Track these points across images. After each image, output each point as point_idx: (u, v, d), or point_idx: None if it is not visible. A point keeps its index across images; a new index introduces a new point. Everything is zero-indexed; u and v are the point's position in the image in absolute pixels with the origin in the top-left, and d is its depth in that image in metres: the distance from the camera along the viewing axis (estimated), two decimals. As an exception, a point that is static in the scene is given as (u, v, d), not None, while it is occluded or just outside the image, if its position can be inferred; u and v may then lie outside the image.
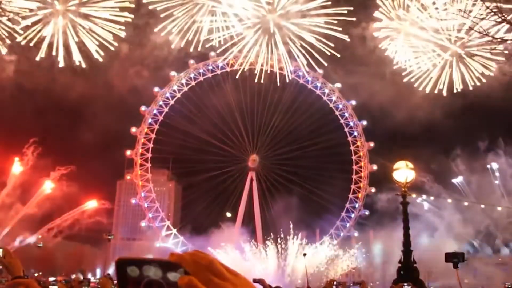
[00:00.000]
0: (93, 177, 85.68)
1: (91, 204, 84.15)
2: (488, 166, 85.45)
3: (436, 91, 73.68)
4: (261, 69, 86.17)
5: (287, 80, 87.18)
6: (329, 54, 77.71)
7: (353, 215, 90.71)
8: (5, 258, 7.85)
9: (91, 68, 73.87)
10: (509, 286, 70.65)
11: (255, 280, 14.71)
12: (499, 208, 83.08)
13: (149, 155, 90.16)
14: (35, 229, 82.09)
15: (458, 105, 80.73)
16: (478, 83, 70.67)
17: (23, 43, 66.36)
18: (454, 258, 27.92)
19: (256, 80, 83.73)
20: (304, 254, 66.68)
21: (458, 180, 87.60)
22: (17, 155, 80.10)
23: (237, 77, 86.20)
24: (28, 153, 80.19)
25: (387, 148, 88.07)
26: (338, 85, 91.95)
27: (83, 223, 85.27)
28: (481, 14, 34.23)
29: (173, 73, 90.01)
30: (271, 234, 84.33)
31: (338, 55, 77.76)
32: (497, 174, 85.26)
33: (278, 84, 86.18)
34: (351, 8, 72.55)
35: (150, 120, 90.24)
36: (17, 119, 76.45)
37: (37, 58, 68.66)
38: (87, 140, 79.35)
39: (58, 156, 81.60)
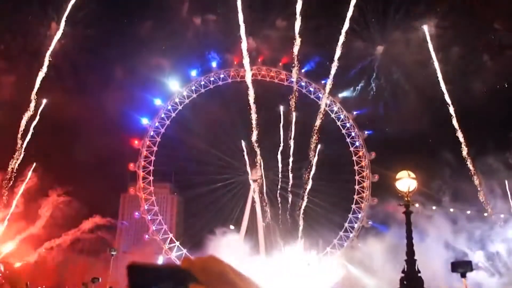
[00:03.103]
0: (97, 191, 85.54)
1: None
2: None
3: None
4: (262, 80, 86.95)
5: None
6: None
7: (356, 226, 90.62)
8: (7, 273, 7.86)
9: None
10: None
11: None
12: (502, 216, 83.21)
13: (152, 168, 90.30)
14: (38, 245, 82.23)
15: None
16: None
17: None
18: (461, 268, 27.56)
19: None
20: (308, 264, 66.43)
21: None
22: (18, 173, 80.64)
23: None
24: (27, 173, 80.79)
25: (389, 158, 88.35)
26: (340, 95, 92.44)
27: (86, 238, 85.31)
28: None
29: (174, 85, 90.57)
30: (274, 245, 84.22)
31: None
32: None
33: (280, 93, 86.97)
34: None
35: (152, 133, 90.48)
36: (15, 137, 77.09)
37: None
38: (89, 155, 79.50)
39: (60, 172, 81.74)
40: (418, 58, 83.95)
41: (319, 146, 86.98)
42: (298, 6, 77.27)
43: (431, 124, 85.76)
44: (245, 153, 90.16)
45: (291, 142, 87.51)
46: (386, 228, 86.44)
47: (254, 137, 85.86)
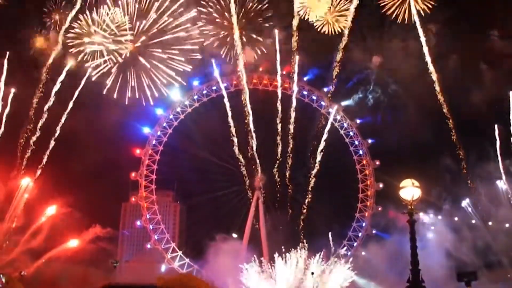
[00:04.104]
0: (98, 201, 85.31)
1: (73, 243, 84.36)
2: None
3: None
4: (266, 89, 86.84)
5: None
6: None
7: (360, 234, 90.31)
8: (8, 284, 7.59)
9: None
10: None
11: None
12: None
13: (154, 176, 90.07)
14: (38, 256, 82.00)
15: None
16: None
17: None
18: (466, 277, 27.59)
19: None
20: (312, 273, 65.90)
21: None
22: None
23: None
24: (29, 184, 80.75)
25: (389, 166, 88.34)
26: (343, 104, 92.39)
27: (86, 248, 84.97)
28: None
29: (176, 94, 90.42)
30: (278, 253, 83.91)
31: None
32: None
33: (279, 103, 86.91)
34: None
35: (154, 142, 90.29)
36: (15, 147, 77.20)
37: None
38: (90, 165, 79.58)
39: (61, 183, 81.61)
40: (416, 67, 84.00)
41: (322, 154, 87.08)
42: (295, 22, 77.98)
43: (432, 132, 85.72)
44: (242, 165, 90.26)
45: (290, 152, 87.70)
46: (387, 235, 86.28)
47: (254, 149, 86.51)
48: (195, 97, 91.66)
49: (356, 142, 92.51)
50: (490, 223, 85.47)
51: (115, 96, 80.00)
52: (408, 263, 28.03)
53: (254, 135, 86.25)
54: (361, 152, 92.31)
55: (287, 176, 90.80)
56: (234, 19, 76.81)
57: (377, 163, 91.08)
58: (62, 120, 77.54)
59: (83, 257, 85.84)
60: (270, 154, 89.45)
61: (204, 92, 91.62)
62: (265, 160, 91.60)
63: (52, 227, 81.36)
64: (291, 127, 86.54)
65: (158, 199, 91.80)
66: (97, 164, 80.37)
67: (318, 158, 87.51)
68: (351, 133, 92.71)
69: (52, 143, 78.95)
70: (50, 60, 78.02)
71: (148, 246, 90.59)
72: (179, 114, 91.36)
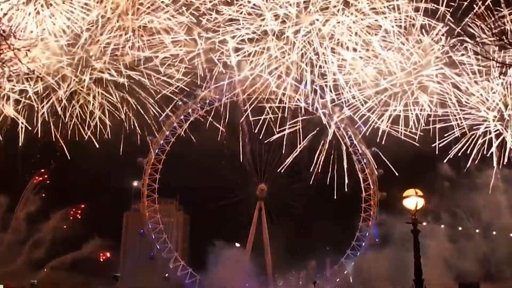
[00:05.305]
0: (100, 210, 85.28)
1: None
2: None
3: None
4: (269, 98, 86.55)
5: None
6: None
7: (363, 244, 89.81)
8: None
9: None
10: None
11: None
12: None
13: (156, 185, 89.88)
14: (39, 267, 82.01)
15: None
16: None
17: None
18: (469, 289, 27.25)
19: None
20: (314, 283, 65.66)
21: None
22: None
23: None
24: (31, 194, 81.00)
25: (397, 175, 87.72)
26: (347, 112, 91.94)
27: (87, 258, 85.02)
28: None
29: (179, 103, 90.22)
30: (281, 263, 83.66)
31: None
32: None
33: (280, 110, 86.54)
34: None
35: (157, 151, 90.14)
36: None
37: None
38: (93, 173, 79.40)
39: (62, 193, 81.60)
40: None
41: (324, 163, 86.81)
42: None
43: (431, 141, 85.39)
44: (244, 175, 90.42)
45: (292, 161, 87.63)
46: (388, 244, 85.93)
47: (250, 161, 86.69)
48: (198, 105, 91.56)
49: (360, 151, 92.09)
50: (494, 233, 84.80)
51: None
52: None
53: (249, 146, 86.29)
54: (364, 161, 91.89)
55: (288, 186, 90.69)
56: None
57: (381, 171, 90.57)
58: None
59: (85, 266, 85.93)
60: (272, 164, 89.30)
61: (207, 101, 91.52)
62: (268, 170, 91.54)
63: (54, 237, 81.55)
64: (285, 135, 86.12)
65: (161, 208, 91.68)
66: (99, 173, 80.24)
67: (319, 169, 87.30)
68: (355, 142, 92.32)
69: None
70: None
71: (151, 255, 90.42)
72: (182, 122, 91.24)
